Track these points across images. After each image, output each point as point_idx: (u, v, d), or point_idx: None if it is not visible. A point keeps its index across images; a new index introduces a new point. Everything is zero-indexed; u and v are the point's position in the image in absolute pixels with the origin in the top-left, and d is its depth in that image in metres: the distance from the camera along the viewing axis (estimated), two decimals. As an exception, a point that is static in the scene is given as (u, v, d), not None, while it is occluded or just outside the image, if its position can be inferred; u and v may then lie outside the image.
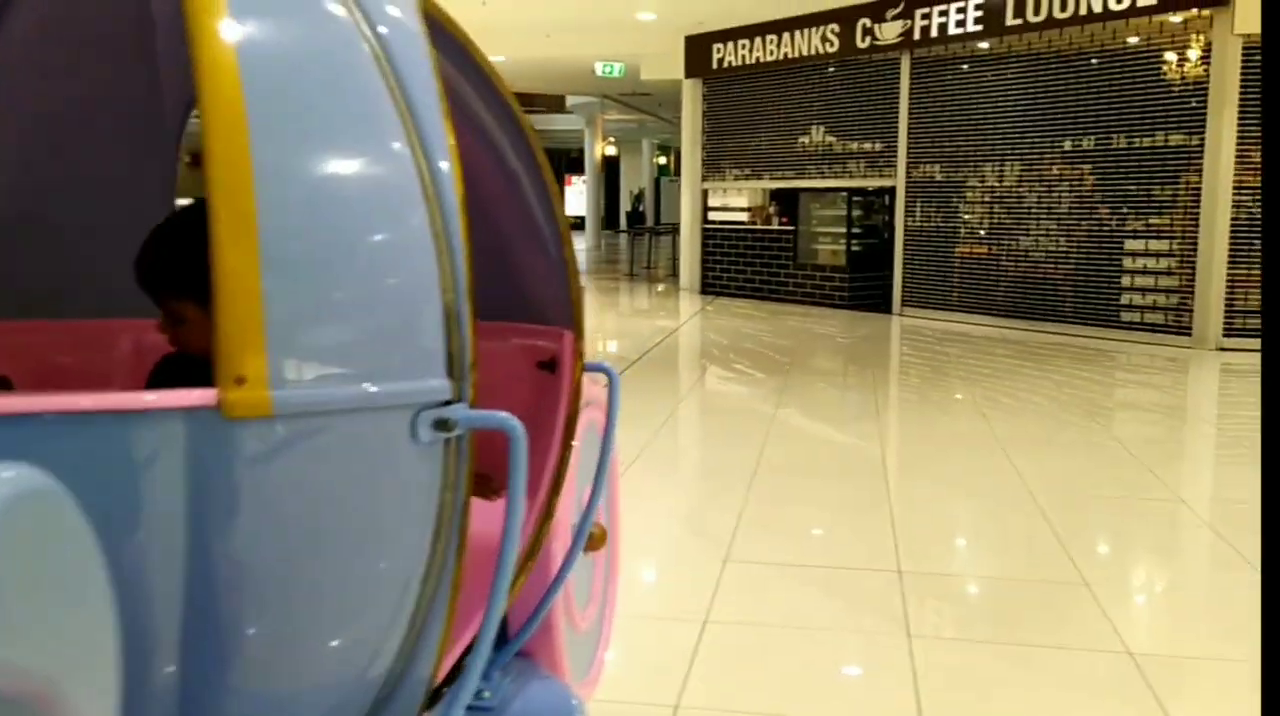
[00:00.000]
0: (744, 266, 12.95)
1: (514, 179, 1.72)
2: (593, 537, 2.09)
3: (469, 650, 1.54)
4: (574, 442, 1.78)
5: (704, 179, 13.45)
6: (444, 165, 1.20)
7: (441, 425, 1.15)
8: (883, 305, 11.32)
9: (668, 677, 2.67)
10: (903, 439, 5.65)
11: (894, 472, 4.76)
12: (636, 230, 20.66)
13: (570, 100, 23.39)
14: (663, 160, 32.94)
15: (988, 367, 7.97)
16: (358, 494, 1.11)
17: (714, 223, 13.34)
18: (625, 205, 33.42)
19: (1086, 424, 5.89)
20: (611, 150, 30.24)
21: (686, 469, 5.15)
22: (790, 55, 12.01)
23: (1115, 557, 3.77)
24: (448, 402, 1.17)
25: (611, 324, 10.90)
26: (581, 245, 23.81)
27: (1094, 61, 9.31)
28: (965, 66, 10.41)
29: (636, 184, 33.00)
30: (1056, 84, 9.55)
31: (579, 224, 28.50)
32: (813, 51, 11.73)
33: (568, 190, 32.33)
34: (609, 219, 31.90)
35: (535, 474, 1.74)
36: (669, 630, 2.97)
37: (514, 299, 1.87)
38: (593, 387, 2.21)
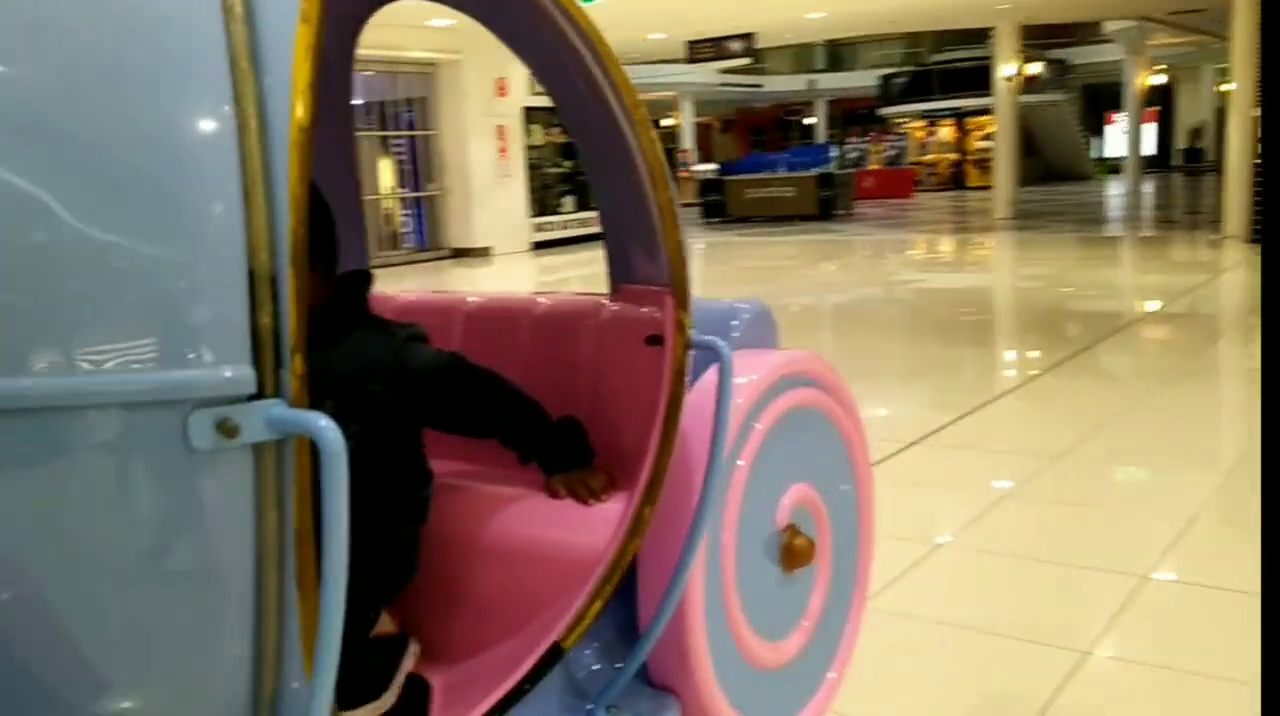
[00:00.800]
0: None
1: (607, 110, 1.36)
2: (795, 551, 1.69)
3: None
4: (676, 433, 1.40)
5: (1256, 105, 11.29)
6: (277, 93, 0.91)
7: (225, 428, 0.87)
8: None
9: None
10: None
11: None
12: (1191, 168, 18.06)
13: (1108, 26, 21.00)
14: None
15: None
16: (117, 517, 0.87)
17: None
18: (1180, 142, 29.52)
19: None
20: (1161, 79, 26.76)
21: None
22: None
23: None
24: (251, 397, 0.89)
25: (1104, 278, 9.57)
26: (1117, 190, 21.41)
27: None
28: None
29: (1195, 117, 28.96)
30: None
31: (1115, 167, 25.69)
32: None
33: (1109, 129, 29.25)
34: (1160, 158, 28.40)
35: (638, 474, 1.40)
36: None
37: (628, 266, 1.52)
38: (811, 362, 1.78)
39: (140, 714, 0.94)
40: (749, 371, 1.66)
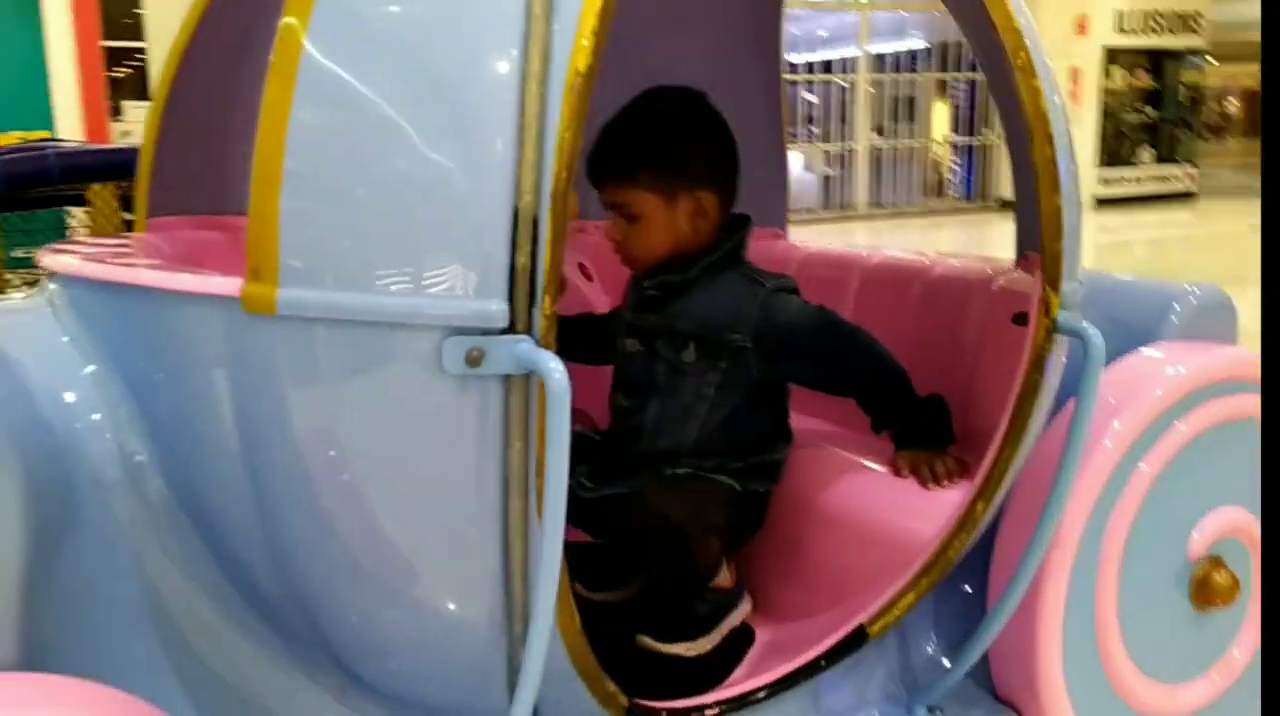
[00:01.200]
0: None
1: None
2: (1212, 587, 1.45)
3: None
4: (1027, 427, 1.22)
5: None
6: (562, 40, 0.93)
7: (470, 358, 0.92)
8: None
9: None
10: None
11: None
12: None
13: None
14: None
15: None
16: (379, 422, 0.96)
17: None
18: None
19: None
20: None
21: None
22: None
23: None
24: (503, 331, 0.93)
25: None
26: None
27: None
28: None
29: None
30: None
31: None
32: None
33: None
34: None
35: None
36: None
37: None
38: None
39: (406, 616, 1.04)
40: (1175, 365, 1.41)
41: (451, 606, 1.04)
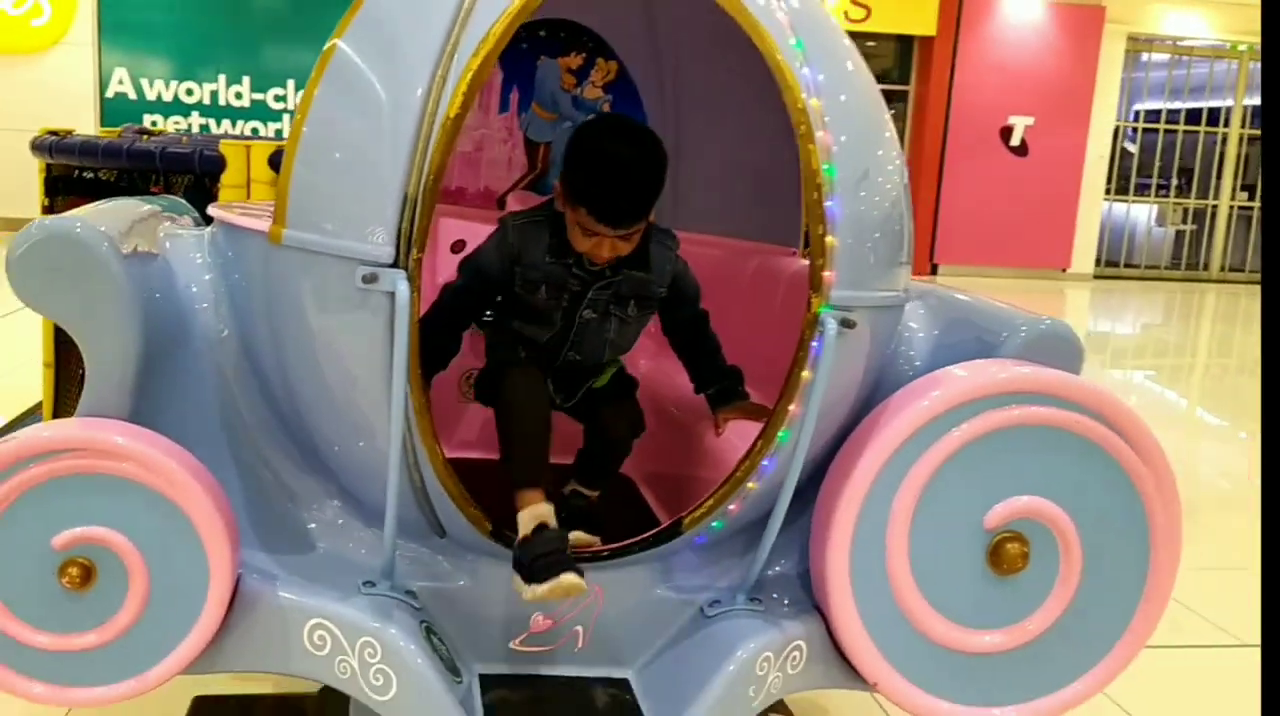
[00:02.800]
0: None
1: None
2: (1004, 555, 1.83)
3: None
4: (801, 389, 1.68)
5: None
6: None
7: (368, 278, 1.56)
8: None
9: None
10: None
11: None
12: None
13: None
14: None
15: None
16: (325, 312, 1.63)
17: None
18: None
19: None
20: None
21: None
22: None
23: None
24: (389, 266, 1.56)
25: None
26: None
27: None
28: None
29: None
30: None
31: None
32: None
33: None
34: None
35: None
36: None
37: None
38: (1076, 389, 1.81)
39: (347, 444, 1.70)
40: (982, 376, 1.78)
41: (362, 442, 1.69)
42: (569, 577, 1.64)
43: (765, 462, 1.75)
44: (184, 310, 1.80)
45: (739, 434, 1.90)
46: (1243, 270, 14.34)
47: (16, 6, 11.57)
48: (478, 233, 2.19)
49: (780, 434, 1.72)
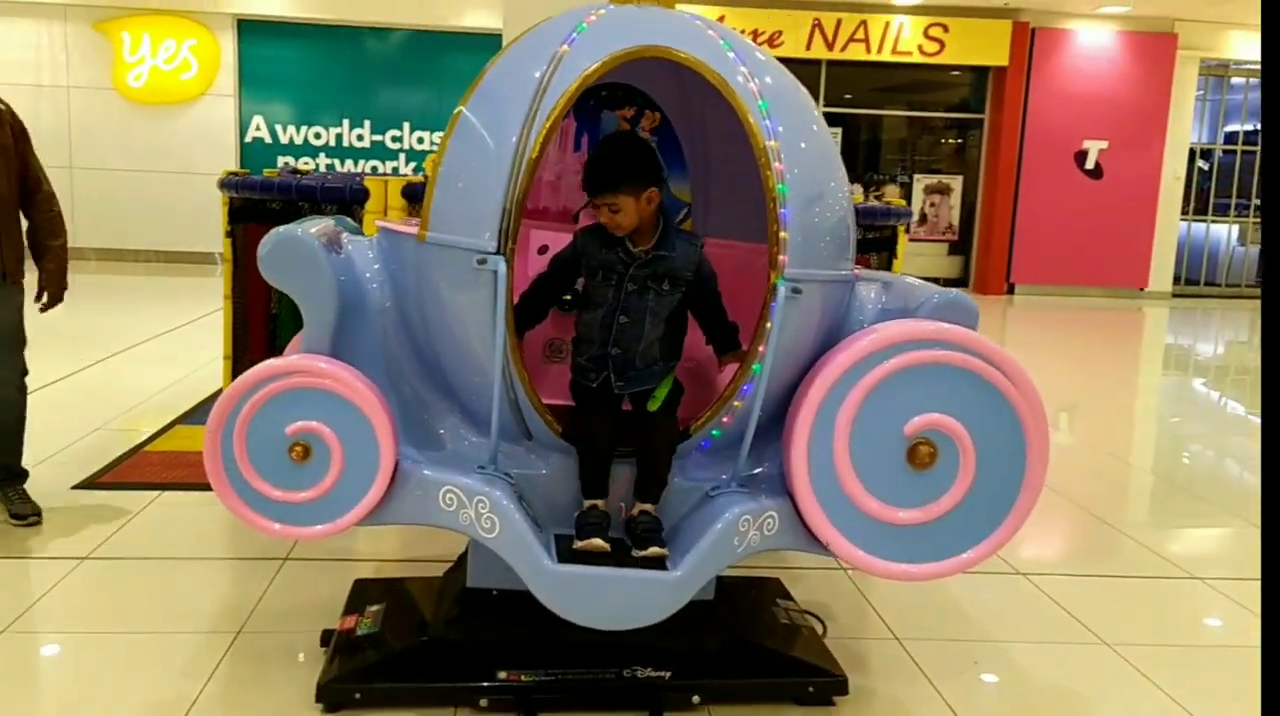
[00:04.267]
0: None
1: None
2: (917, 455, 2.61)
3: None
4: (754, 353, 2.50)
5: None
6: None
7: (480, 262, 2.43)
8: None
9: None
10: None
11: None
12: None
13: None
14: None
15: None
16: (454, 287, 2.51)
17: None
18: None
19: None
20: None
21: None
22: None
23: None
24: (495, 253, 2.43)
25: None
26: None
27: None
28: None
29: None
30: None
31: None
32: None
33: None
34: None
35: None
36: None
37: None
38: (972, 341, 2.59)
39: (468, 379, 2.58)
40: (898, 328, 2.57)
41: (476, 376, 2.56)
42: (596, 541, 2.50)
43: (745, 387, 2.57)
44: (362, 288, 2.71)
45: (732, 373, 2.73)
46: (1327, 287, 14.44)
47: (168, 63, 13.04)
48: (558, 239, 3.06)
49: (754, 367, 2.55)
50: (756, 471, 2.72)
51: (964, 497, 2.62)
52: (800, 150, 2.56)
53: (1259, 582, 3.01)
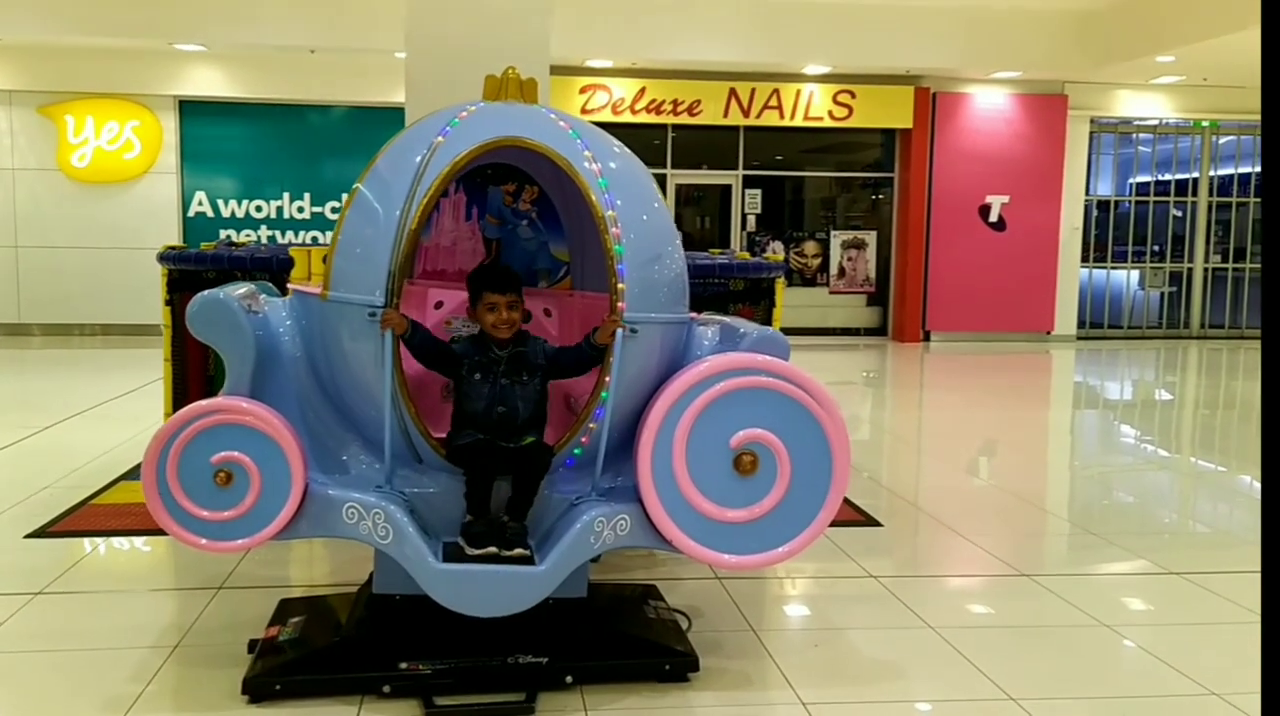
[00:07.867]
0: None
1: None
2: (741, 463, 3.16)
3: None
4: (600, 385, 3.06)
5: None
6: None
7: (370, 314, 2.97)
8: None
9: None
10: None
11: None
12: None
13: None
14: None
15: None
16: (346, 339, 3.04)
17: None
18: None
19: None
20: None
21: None
22: None
23: None
24: (382, 307, 2.97)
25: None
26: None
27: None
28: None
29: None
30: None
31: None
32: None
33: None
34: None
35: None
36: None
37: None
38: (781, 368, 3.15)
39: (366, 416, 3.10)
40: (722, 360, 3.14)
41: (372, 409, 3.08)
42: (491, 548, 3.02)
43: (598, 411, 3.12)
44: (276, 340, 3.23)
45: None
46: (1222, 327, 15.41)
47: (112, 143, 13.51)
48: (452, 297, 3.61)
49: (603, 394, 3.10)
50: (614, 484, 3.26)
51: (782, 498, 3.17)
52: (638, 219, 3.14)
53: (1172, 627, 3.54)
